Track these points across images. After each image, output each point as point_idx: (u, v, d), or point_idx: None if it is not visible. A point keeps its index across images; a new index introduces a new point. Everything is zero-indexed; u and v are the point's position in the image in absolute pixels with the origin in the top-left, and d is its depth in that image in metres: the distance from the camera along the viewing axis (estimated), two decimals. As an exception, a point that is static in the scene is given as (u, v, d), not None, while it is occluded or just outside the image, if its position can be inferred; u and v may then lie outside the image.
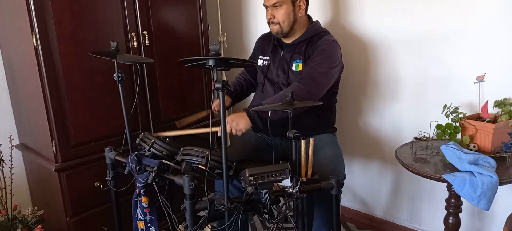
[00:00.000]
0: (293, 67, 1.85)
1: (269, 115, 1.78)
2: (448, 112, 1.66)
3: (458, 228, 1.66)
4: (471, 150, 1.56)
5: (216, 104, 1.99)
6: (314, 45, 1.81)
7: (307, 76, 1.76)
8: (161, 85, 2.15)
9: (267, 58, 1.96)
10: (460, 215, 1.65)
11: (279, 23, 1.82)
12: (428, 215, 2.12)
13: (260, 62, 1.98)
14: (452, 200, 1.62)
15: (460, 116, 1.64)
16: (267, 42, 2.00)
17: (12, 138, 1.95)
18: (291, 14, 1.81)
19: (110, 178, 1.76)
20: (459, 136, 1.65)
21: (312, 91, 1.72)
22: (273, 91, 1.89)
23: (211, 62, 1.27)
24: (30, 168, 2.12)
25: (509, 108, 1.58)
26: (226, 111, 2.05)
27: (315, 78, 1.75)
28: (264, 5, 1.86)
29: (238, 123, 1.71)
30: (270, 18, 1.84)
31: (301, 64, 1.83)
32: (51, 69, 1.71)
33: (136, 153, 1.54)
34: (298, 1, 1.81)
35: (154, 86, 2.11)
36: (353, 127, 2.30)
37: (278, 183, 1.37)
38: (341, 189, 1.53)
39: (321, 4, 2.24)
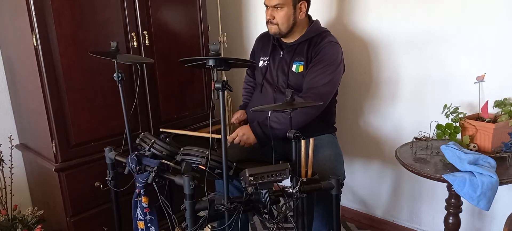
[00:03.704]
0: (293, 69, 1.84)
1: (269, 114, 1.79)
2: (448, 112, 1.66)
3: (458, 228, 1.66)
4: (471, 150, 1.56)
5: (235, 118, 2.00)
6: (317, 47, 1.80)
7: (310, 91, 1.75)
8: (161, 85, 2.15)
9: (267, 58, 1.95)
10: (460, 215, 1.65)
11: (278, 24, 1.81)
12: (428, 215, 2.12)
13: (260, 63, 1.98)
14: (452, 200, 1.62)
15: (460, 116, 1.64)
16: (267, 42, 1.99)
17: (12, 138, 1.95)
18: (291, 16, 1.80)
19: (110, 178, 1.76)
20: (459, 136, 1.65)
21: (316, 106, 1.73)
22: (272, 92, 1.89)
23: (211, 62, 1.27)
24: (30, 168, 2.12)
25: (509, 108, 1.58)
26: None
27: (319, 92, 1.74)
28: (264, 4, 1.85)
29: (248, 137, 1.75)
30: (270, 19, 1.82)
31: (302, 66, 1.82)
32: (51, 69, 1.71)
33: (136, 153, 1.54)
34: (299, 4, 1.80)
35: (154, 86, 2.11)
36: (354, 127, 2.30)
37: (278, 183, 1.37)
38: (341, 189, 1.53)
39: (322, 3, 2.24)
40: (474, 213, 1.95)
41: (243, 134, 1.75)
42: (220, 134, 1.35)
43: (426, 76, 1.96)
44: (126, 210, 1.75)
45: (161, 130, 1.96)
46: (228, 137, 1.76)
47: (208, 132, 1.55)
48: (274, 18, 1.81)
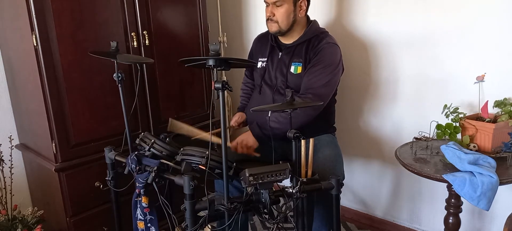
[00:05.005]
0: (292, 70, 1.84)
1: (269, 114, 1.79)
2: (448, 112, 1.66)
3: (458, 228, 1.66)
4: (471, 150, 1.56)
5: (234, 121, 2.00)
6: (315, 49, 1.80)
7: (308, 92, 1.75)
8: (161, 85, 2.15)
9: (265, 60, 1.95)
10: (460, 215, 1.65)
11: (278, 22, 1.81)
12: (428, 215, 2.12)
13: (259, 64, 1.98)
14: (452, 200, 1.62)
15: (460, 116, 1.64)
16: (265, 43, 1.99)
17: (12, 138, 1.95)
18: (291, 14, 1.80)
19: (110, 178, 1.76)
20: (459, 136, 1.65)
21: (315, 107, 1.74)
22: (271, 94, 1.89)
23: (211, 62, 1.27)
24: (30, 168, 2.12)
25: (509, 108, 1.58)
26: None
27: (318, 93, 1.74)
28: (264, 1, 1.84)
29: (247, 141, 1.75)
30: (270, 16, 1.82)
31: (301, 67, 1.82)
32: (51, 69, 1.71)
33: (136, 153, 1.54)
34: (299, 2, 1.80)
35: (154, 86, 2.11)
36: (354, 127, 2.30)
37: (278, 183, 1.37)
38: (341, 189, 1.53)
39: (322, 3, 2.24)
40: (474, 213, 1.95)
41: (242, 140, 1.75)
42: (220, 137, 1.34)
43: (426, 76, 1.96)
44: (126, 210, 1.75)
45: (170, 119, 1.93)
46: (229, 144, 1.76)
47: (209, 132, 1.55)
48: (274, 15, 1.80)
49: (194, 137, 1.78)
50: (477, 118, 1.65)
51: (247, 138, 1.75)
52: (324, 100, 1.78)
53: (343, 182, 1.72)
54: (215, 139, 1.67)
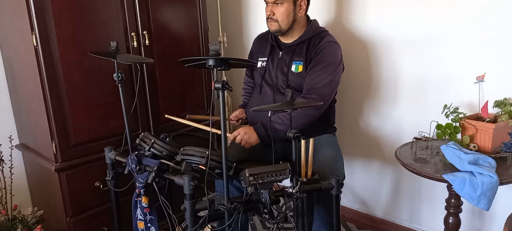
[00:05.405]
0: (293, 69, 1.84)
1: (269, 114, 1.79)
2: (448, 112, 1.66)
3: (458, 228, 1.66)
4: (471, 150, 1.56)
5: (234, 115, 2.00)
6: (316, 48, 1.80)
7: (311, 92, 1.75)
8: (161, 85, 2.15)
9: (265, 59, 1.95)
10: (460, 215, 1.65)
11: (278, 21, 1.81)
12: (428, 215, 2.12)
13: (259, 64, 1.98)
14: (452, 200, 1.62)
15: (460, 116, 1.64)
16: (265, 43, 1.99)
17: (12, 138, 1.95)
18: (291, 13, 1.80)
19: (110, 178, 1.76)
20: (459, 136, 1.65)
21: (317, 107, 1.73)
22: (272, 93, 1.89)
23: (211, 62, 1.27)
24: (30, 168, 2.12)
25: (509, 108, 1.58)
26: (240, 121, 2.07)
27: (321, 93, 1.75)
28: (264, 0, 1.85)
29: (250, 136, 1.74)
30: (270, 15, 1.82)
31: (301, 66, 1.82)
32: (51, 69, 1.71)
33: (136, 153, 1.54)
34: (299, 1, 1.80)
35: (154, 86, 2.11)
36: (354, 127, 2.30)
37: (278, 183, 1.37)
38: (341, 189, 1.53)
39: (322, 3, 2.24)
40: (474, 213, 1.95)
41: (245, 133, 1.75)
42: (219, 128, 1.34)
43: (426, 76, 1.96)
44: (126, 210, 1.75)
45: (166, 115, 1.93)
46: (229, 135, 1.76)
47: (208, 125, 1.55)
48: (274, 14, 1.80)
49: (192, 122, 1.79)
50: (477, 118, 1.65)
51: (250, 134, 1.75)
52: (327, 100, 1.78)
53: (343, 182, 1.72)
54: (214, 129, 1.66)
